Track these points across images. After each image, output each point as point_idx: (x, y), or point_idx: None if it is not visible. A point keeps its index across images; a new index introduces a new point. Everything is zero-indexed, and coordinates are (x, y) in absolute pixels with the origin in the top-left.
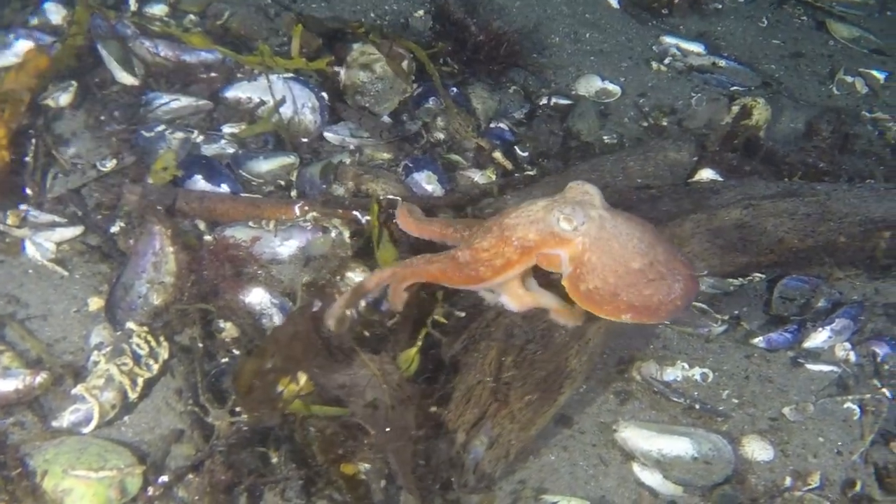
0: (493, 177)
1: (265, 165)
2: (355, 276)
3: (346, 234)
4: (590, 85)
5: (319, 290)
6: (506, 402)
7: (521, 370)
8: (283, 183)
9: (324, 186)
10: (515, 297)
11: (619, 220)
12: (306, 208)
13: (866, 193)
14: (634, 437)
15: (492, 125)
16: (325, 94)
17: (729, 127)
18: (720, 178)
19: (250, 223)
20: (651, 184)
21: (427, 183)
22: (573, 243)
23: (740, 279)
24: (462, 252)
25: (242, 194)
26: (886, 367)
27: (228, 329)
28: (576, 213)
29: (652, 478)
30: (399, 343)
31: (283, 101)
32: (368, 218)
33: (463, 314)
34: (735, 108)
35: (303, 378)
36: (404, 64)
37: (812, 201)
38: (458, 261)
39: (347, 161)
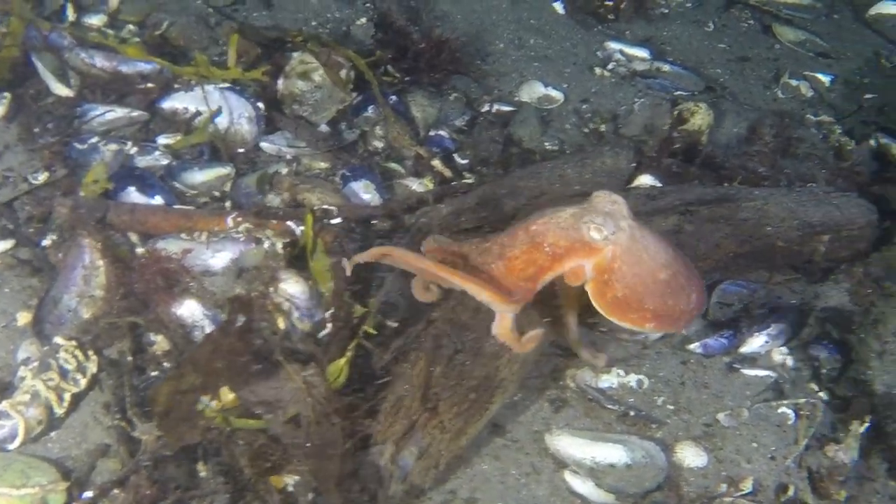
0: (431, 185)
1: (200, 176)
2: (288, 286)
3: (279, 244)
4: (532, 91)
5: (244, 305)
6: (435, 412)
7: (451, 380)
8: (217, 194)
9: (259, 197)
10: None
11: (646, 232)
12: (239, 219)
13: (804, 198)
14: (567, 445)
15: (431, 133)
16: (261, 105)
17: (667, 132)
18: (659, 184)
19: (182, 235)
20: (588, 191)
21: (364, 192)
22: (602, 252)
23: None
24: (496, 264)
25: (175, 206)
26: (824, 370)
27: (160, 342)
28: (606, 223)
29: (584, 486)
30: (329, 354)
31: (218, 112)
32: (303, 228)
33: (395, 324)
34: (684, 114)
35: (228, 394)
36: (342, 73)
37: (750, 206)
38: (494, 273)
39: (284, 171)
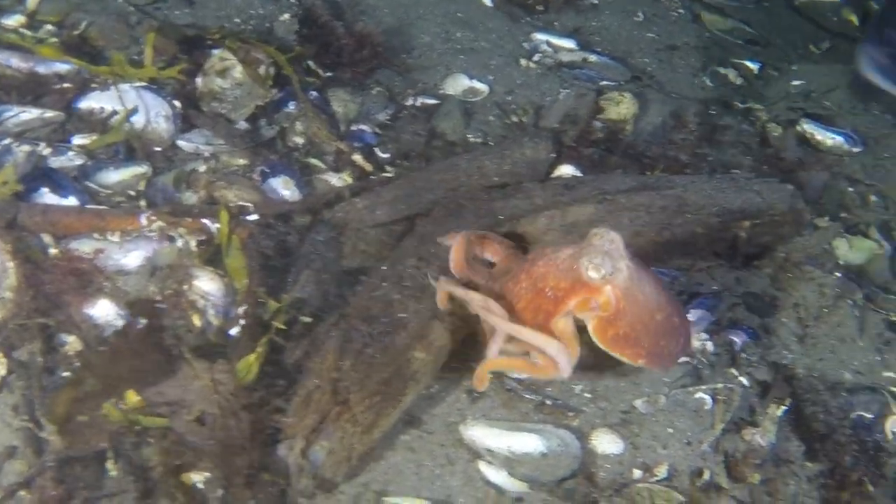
0: (350, 179)
1: (115, 176)
2: (203, 284)
3: (193, 242)
4: (457, 84)
5: (145, 306)
6: (347, 405)
7: (361, 373)
8: (133, 193)
9: (176, 195)
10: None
11: (642, 272)
12: (153, 218)
13: (725, 184)
14: (482, 435)
15: (353, 128)
16: (177, 103)
17: (584, 122)
18: (580, 174)
19: (95, 235)
20: (508, 182)
21: (284, 188)
22: (602, 291)
23: None
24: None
25: (89, 206)
26: (744, 355)
27: (72, 343)
28: (604, 263)
29: (498, 475)
30: (239, 351)
31: (135, 111)
32: (218, 226)
33: (309, 320)
34: (606, 104)
35: (133, 396)
36: (261, 69)
37: (669, 194)
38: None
39: (202, 169)
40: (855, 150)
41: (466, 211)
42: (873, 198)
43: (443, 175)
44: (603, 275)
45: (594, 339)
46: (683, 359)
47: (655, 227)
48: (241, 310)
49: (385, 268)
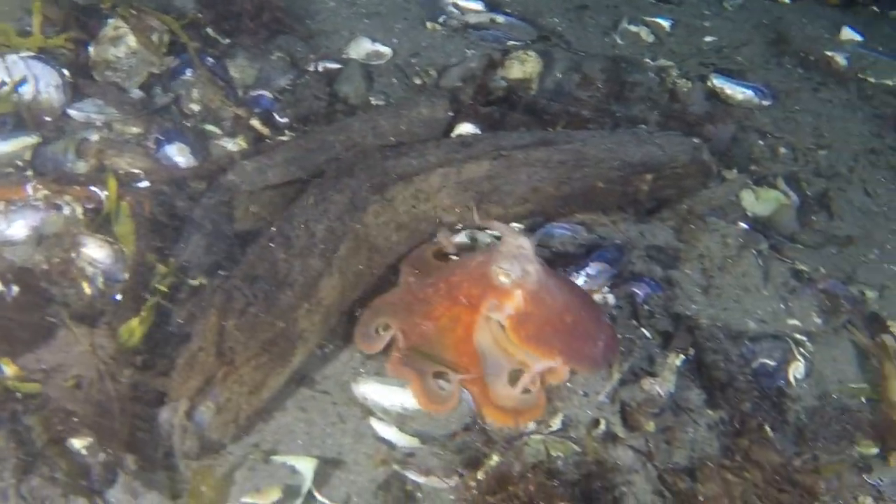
0: (245, 144)
1: (4, 147)
2: (92, 251)
3: (79, 210)
4: (360, 48)
5: (19, 275)
6: (233, 366)
7: (245, 333)
8: (20, 163)
9: (66, 164)
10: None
11: (551, 276)
12: (38, 187)
13: (626, 138)
14: (375, 393)
15: (252, 93)
16: (66, 72)
17: (485, 82)
18: (480, 132)
19: None
20: (404, 141)
21: (178, 155)
22: (512, 295)
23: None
24: (425, 324)
25: None
26: (646, 307)
27: None
28: (513, 268)
29: (389, 431)
30: (121, 315)
31: (23, 81)
32: (107, 193)
33: (197, 283)
34: (510, 63)
35: (10, 364)
36: (154, 37)
37: (567, 149)
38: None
39: (94, 137)
40: (765, 103)
41: (359, 171)
42: (782, 150)
43: (336, 136)
44: (513, 280)
45: (511, 338)
46: None
47: (554, 182)
48: (126, 275)
49: (273, 229)
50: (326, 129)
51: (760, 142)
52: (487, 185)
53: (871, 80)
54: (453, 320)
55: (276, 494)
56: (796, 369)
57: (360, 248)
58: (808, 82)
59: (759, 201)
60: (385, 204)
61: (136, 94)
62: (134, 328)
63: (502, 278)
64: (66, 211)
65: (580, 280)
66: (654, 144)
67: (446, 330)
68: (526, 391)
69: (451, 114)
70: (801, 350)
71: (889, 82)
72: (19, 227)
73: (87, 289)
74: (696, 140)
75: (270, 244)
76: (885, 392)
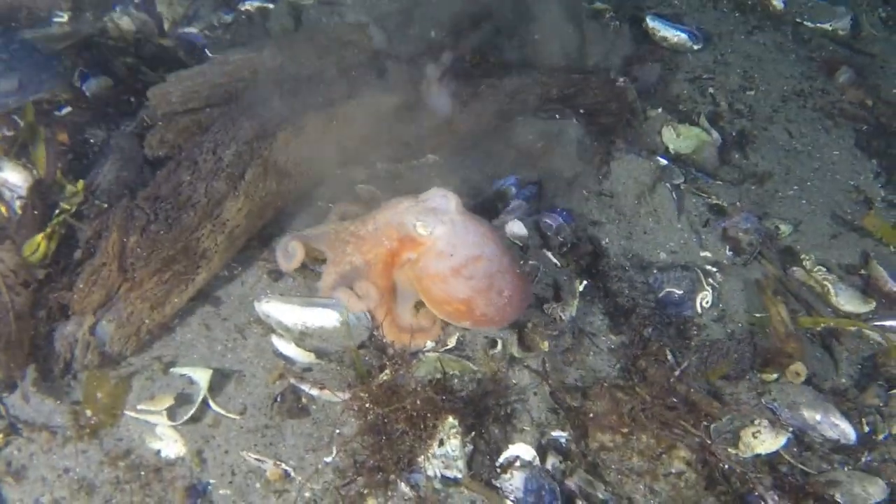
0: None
1: None
2: (7, 175)
3: None
4: None
5: None
6: (135, 281)
7: (146, 250)
8: None
9: None
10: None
11: (471, 230)
12: None
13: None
14: (277, 311)
15: (180, 31)
16: None
17: None
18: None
19: None
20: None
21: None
22: (425, 245)
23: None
24: (355, 257)
25: None
26: (559, 237)
27: None
28: (429, 220)
29: (288, 347)
30: (26, 231)
31: None
32: (25, 119)
33: (105, 204)
34: None
35: None
36: None
37: (484, 84)
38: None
39: None
40: (697, 46)
41: (272, 99)
42: (710, 90)
43: (250, 65)
44: (430, 231)
45: (418, 288)
46: None
47: (469, 115)
48: (32, 194)
49: (182, 153)
50: (240, 58)
51: (688, 83)
52: (402, 117)
53: (808, 24)
54: (377, 256)
55: (168, 401)
56: (704, 298)
57: (268, 174)
58: (743, 25)
59: (679, 138)
60: (296, 131)
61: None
62: (38, 243)
63: (420, 230)
64: None
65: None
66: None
67: (370, 264)
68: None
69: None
70: (710, 280)
71: (826, 26)
72: None
73: (3, 210)
74: (621, 79)
75: (177, 167)
76: (771, 322)
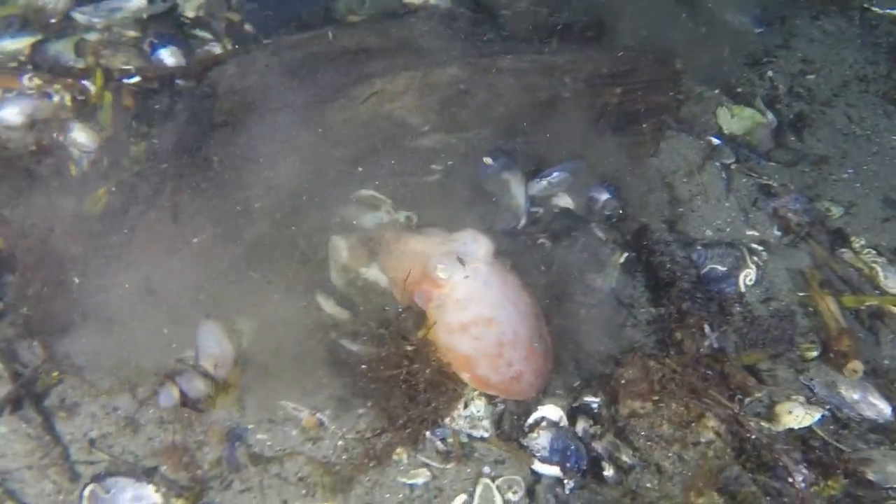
0: (229, 47)
1: (11, 44)
2: (78, 136)
3: (68, 98)
4: None
5: None
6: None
7: (198, 206)
8: (22, 59)
9: (67, 62)
10: None
11: (493, 284)
12: (33, 78)
13: (595, 52)
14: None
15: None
16: None
17: None
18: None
19: None
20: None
21: (170, 57)
22: (442, 289)
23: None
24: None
25: None
26: (605, 211)
27: None
28: (451, 266)
29: (328, 304)
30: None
31: None
32: (95, 85)
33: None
34: None
35: None
36: None
37: (535, 59)
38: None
39: (92, 38)
40: (758, 29)
41: (328, 71)
42: (769, 73)
43: (313, 42)
44: (449, 276)
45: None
46: None
47: (519, 90)
48: (101, 155)
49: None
50: (304, 35)
51: (747, 66)
52: (453, 90)
53: (877, 9)
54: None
55: None
56: (747, 276)
57: (320, 140)
58: (807, 10)
59: (734, 119)
60: (349, 101)
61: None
62: (100, 196)
63: (440, 273)
64: (56, 99)
65: (542, 184)
66: (623, 59)
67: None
68: None
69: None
70: (755, 259)
71: (895, 12)
72: (13, 113)
73: (72, 169)
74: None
75: (233, 132)
76: (820, 312)
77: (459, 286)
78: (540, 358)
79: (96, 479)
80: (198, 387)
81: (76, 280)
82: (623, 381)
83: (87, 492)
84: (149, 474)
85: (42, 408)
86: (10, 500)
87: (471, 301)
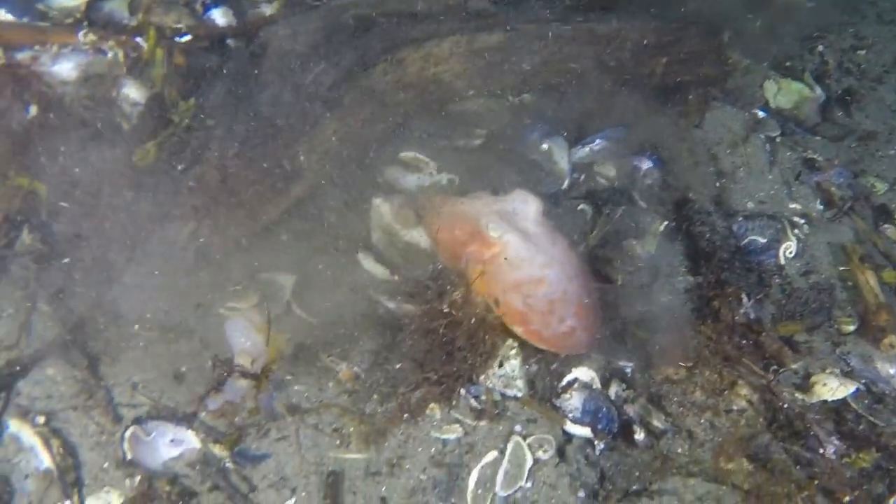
0: (280, 8)
1: (68, 2)
2: (130, 91)
3: (121, 55)
4: None
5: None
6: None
7: (243, 162)
8: (78, 16)
9: (122, 20)
10: None
11: (542, 243)
12: (88, 34)
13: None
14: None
15: None
16: None
17: None
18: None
19: (36, 47)
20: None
21: (222, 17)
22: (494, 247)
23: (511, 98)
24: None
25: (32, 22)
26: (647, 181)
27: None
28: (501, 224)
29: (368, 261)
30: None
31: None
32: (147, 42)
33: (212, 122)
34: None
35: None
36: None
37: (580, 27)
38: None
39: None
40: (810, 4)
41: (374, 33)
42: (819, 48)
43: (361, 4)
44: (500, 234)
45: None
46: None
47: (564, 57)
48: (148, 107)
49: (287, 79)
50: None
51: (797, 41)
52: (497, 56)
53: None
54: (450, 242)
55: (254, 300)
56: (788, 249)
57: (364, 101)
58: None
59: (781, 92)
60: (394, 64)
61: None
62: (149, 150)
63: (491, 231)
64: (110, 55)
65: (584, 151)
66: (669, 29)
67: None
68: None
69: None
70: (797, 231)
71: None
72: (69, 67)
73: (124, 124)
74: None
75: (280, 90)
76: (859, 287)
77: (510, 245)
78: (590, 314)
79: (138, 421)
80: (241, 386)
81: (124, 231)
82: (657, 347)
83: (128, 433)
84: (189, 420)
85: (87, 352)
86: (56, 438)
87: (522, 260)
